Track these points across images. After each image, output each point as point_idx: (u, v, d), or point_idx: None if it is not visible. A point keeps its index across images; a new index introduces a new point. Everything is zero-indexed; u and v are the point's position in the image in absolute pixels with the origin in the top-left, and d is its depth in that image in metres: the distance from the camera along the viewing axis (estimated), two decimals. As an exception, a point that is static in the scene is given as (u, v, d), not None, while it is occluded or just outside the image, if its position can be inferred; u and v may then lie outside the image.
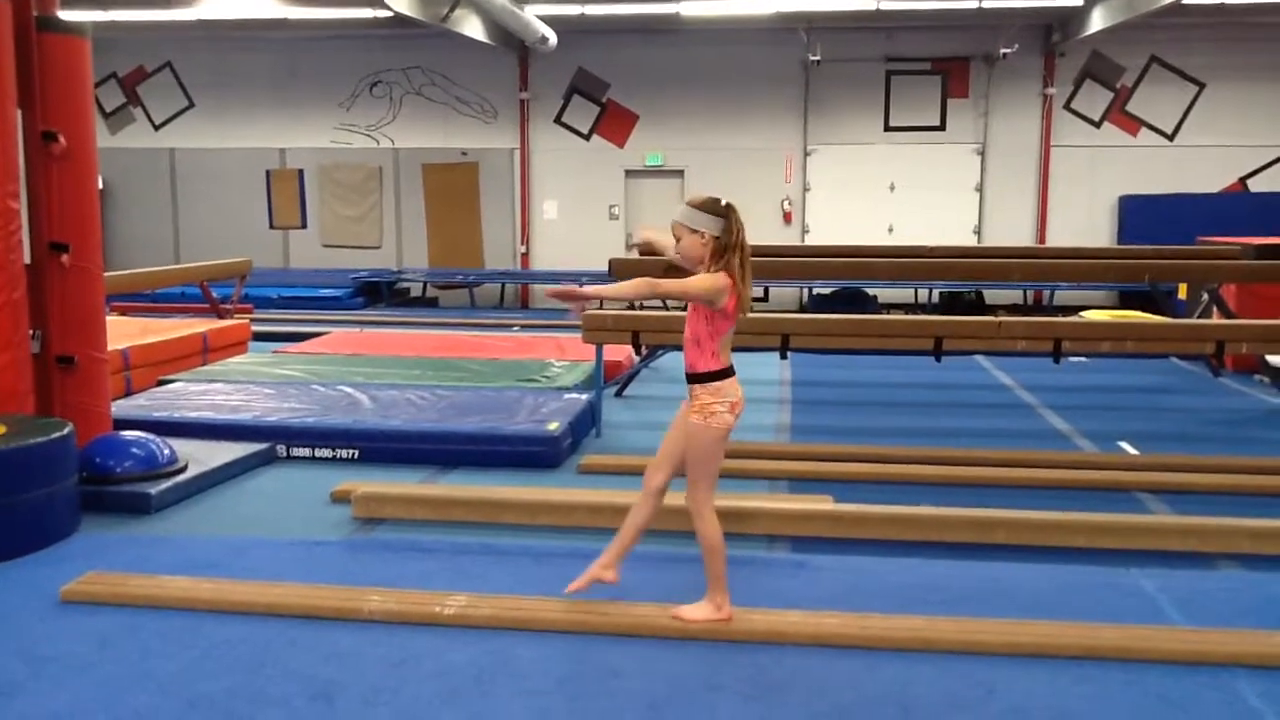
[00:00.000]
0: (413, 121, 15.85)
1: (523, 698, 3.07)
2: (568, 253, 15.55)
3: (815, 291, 14.27)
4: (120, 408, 6.17)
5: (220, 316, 10.35)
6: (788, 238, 15.05)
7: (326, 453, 5.93)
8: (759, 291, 13.95)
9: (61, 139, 5.06)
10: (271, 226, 16.34)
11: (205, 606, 3.69)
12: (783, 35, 14.58)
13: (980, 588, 3.92)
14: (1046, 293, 14.42)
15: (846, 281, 13.33)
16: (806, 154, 15.19)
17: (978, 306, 14.28)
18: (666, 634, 3.47)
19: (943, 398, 8.10)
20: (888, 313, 13.22)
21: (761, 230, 13.94)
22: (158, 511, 4.92)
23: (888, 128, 14.99)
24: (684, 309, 3.52)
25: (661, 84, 15.20)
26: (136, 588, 3.82)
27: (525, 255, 15.98)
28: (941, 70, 14.78)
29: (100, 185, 5.66)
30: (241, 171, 16.18)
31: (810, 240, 14.98)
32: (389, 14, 12.21)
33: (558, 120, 15.61)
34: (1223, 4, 12.80)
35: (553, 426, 5.95)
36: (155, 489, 4.98)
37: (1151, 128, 14.65)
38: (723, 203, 3.38)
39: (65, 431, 4.52)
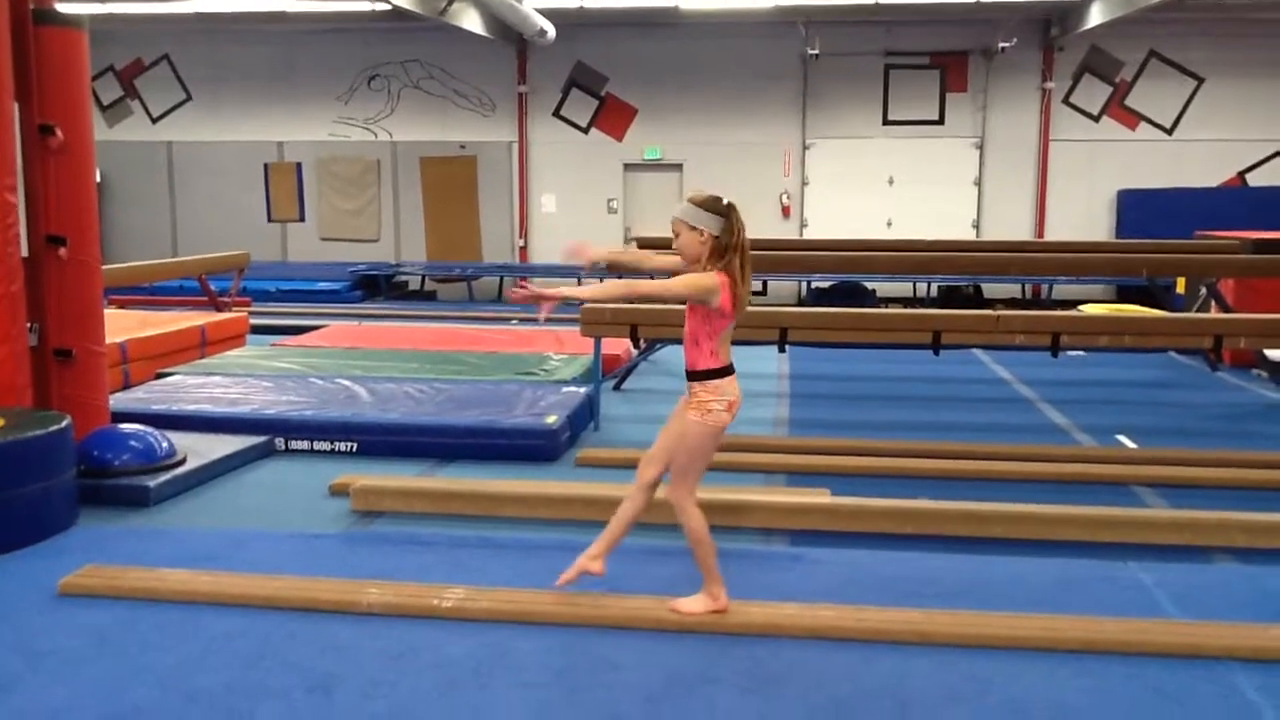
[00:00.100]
0: (411, 115, 15.82)
1: (521, 690, 3.08)
2: (566, 246, 15.50)
3: (814, 285, 14.26)
4: (118, 401, 6.17)
5: (218, 310, 10.34)
6: (786, 232, 15.04)
7: (325, 446, 5.93)
8: (757, 285, 13.97)
9: (59, 132, 5.05)
10: (269, 220, 16.31)
11: (204, 599, 3.69)
12: (781, 29, 14.55)
13: (977, 581, 3.92)
14: (1045, 287, 14.43)
15: (845, 275, 13.32)
16: (805, 148, 15.17)
17: (976, 300, 14.29)
18: (663, 626, 3.48)
19: (941, 392, 8.11)
20: (886, 306, 13.23)
21: (760, 224, 13.90)
22: (156, 504, 4.93)
23: (886, 122, 14.97)
24: (682, 303, 3.52)
25: (660, 78, 15.17)
26: (135, 581, 3.82)
27: (523, 249, 15.96)
28: (940, 64, 14.76)
29: (98, 178, 5.66)
30: (239, 165, 16.15)
31: (809, 234, 14.97)
32: (387, 7, 12.19)
33: (556, 114, 15.59)
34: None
35: (551, 420, 5.95)
36: (153, 482, 4.98)
37: (1150, 122, 14.64)
38: (724, 202, 3.36)
39: (63, 424, 4.52)
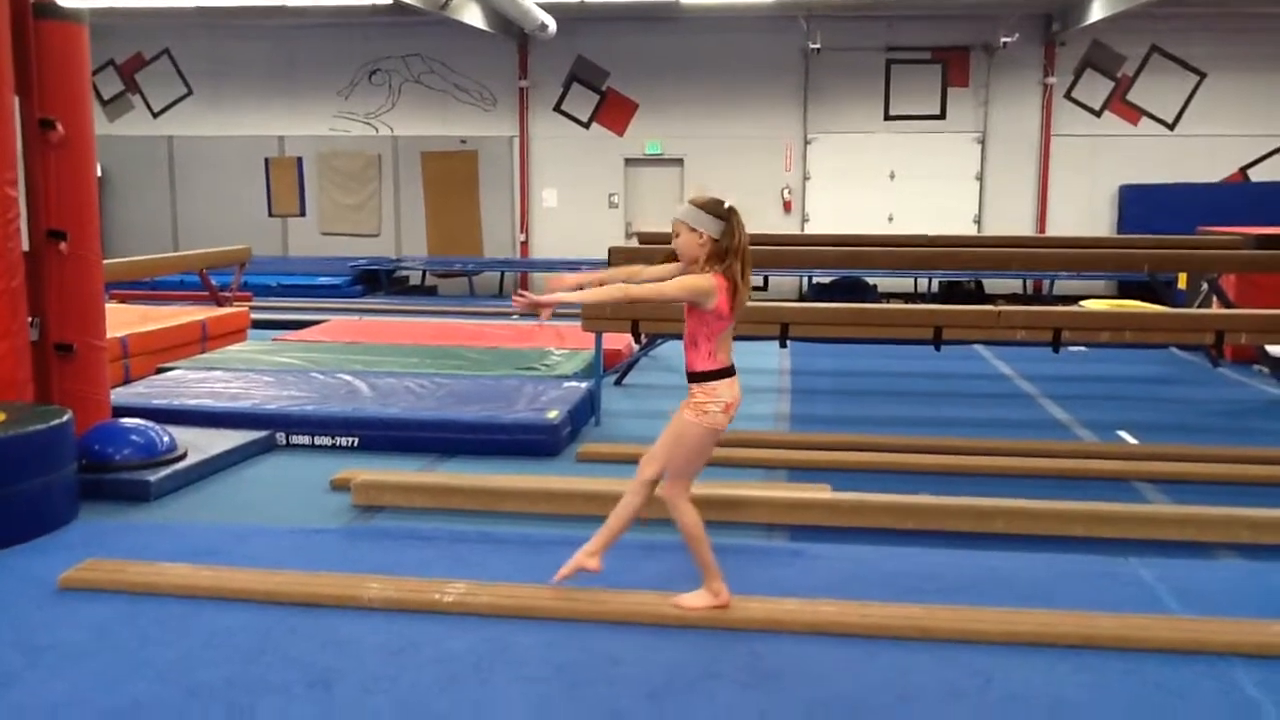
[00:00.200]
0: (412, 109, 15.80)
1: (521, 685, 3.08)
2: (567, 241, 15.53)
3: (815, 280, 14.25)
4: (119, 395, 6.17)
5: (219, 304, 10.34)
6: (787, 226, 15.02)
7: (326, 440, 5.93)
8: (758, 280, 13.97)
9: (59, 126, 5.04)
10: (270, 214, 16.30)
11: (204, 594, 3.69)
12: (783, 23, 14.53)
13: (978, 576, 3.92)
14: (1046, 282, 14.42)
15: (846, 270, 13.31)
16: (806, 143, 15.15)
17: (977, 296, 14.27)
18: (665, 622, 3.48)
19: (942, 387, 8.10)
20: (887, 302, 13.22)
21: (761, 219, 13.91)
22: (156, 499, 4.93)
23: (888, 116, 14.95)
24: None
25: (661, 72, 15.15)
26: (135, 575, 3.82)
27: (524, 243, 15.95)
28: (941, 59, 14.74)
29: (98, 173, 5.65)
30: (240, 159, 16.14)
31: (810, 229, 14.95)
32: (388, 1, 12.17)
33: (557, 108, 15.57)
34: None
35: (552, 415, 5.95)
36: (154, 476, 4.98)
37: (1152, 117, 14.61)
38: (725, 205, 3.37)
39: (64, 419, 4.52)
